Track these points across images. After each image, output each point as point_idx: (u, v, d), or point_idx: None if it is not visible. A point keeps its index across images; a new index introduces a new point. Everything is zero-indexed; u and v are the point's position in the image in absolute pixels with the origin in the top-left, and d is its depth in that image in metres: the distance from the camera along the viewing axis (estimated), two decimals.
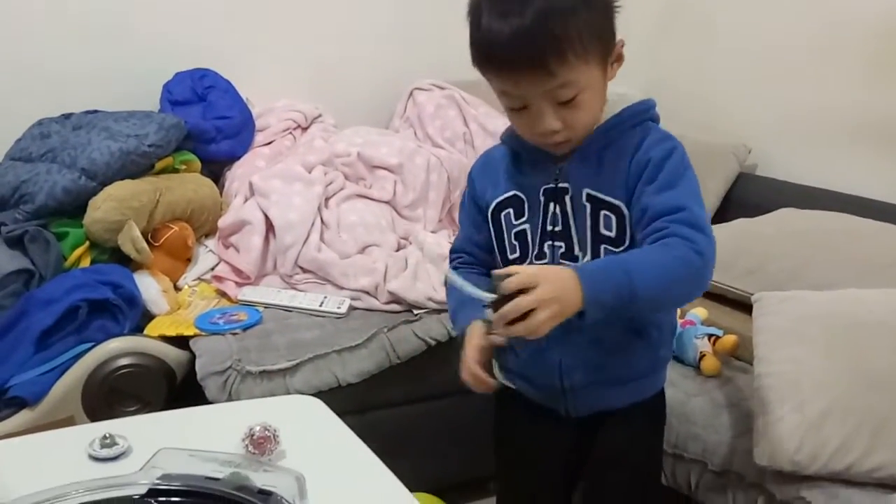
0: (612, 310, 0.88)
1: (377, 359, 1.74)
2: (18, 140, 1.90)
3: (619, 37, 0.97)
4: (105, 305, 1.62)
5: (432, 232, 2.21)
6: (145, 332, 1.67)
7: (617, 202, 1.00)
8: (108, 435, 0.93)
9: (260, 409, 1.09)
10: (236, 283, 1.88)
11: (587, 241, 1.01)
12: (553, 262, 1.03)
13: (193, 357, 1.64)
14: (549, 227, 1.04)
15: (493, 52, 0.93)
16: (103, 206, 1.72)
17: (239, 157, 2.15)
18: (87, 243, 1.76)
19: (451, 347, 1.85)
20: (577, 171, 1.01)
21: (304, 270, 1.93)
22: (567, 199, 1.03)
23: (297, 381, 1.64)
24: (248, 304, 1.81)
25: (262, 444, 0.91)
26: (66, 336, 1.58)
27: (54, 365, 1.55)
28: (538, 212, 1.05)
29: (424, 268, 1.93)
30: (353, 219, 2.05)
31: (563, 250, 1.03)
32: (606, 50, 0.95)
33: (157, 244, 1.83)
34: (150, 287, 1.74)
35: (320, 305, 1.81)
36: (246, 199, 1.99)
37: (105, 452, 0.91)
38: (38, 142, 1.84)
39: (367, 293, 1.87)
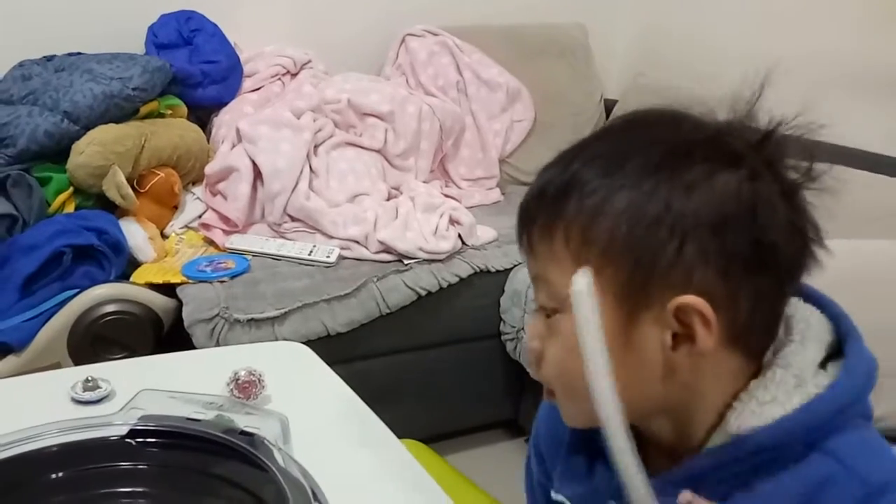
0: None
1: (367, 308, 1.73)
2: None
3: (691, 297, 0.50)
4: (90, 252, 1.60)
5: (424, 182, 2.19)
6: (132, 279, 1.65)
7: None
8: (90, 378, 0.92)
9: (246, 355, 1.08)
10: (224, 231, 1.85)
11: None
12: None
13: (180, 305, 1.62)
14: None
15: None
16: (87, 151, 1.68)
17: (226, 103, 2.11)
18: (71, 189, 1.72)
19: (440, 298, 1.85)
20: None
21: (293, 219, 1.91)
22: None
23: (286, 329, 1.63)
24: (236, 253, 1.79)
25: (246, 388, 0.90)
26: (51, 282, 1.56)
27: (39, 311, 1.53)
28: None
29: (415, 218, 1.91)
30: (342, 167, 2.02)
31: None
32: (638, 281, 0.51)
33: (142, 190, 1.80)
34: (136, 234, 1.71)
35: (309, 254, 1.79)
36: (233, 146, 1.95)
37: (87, 395, 0.90)
38: (19, 84, 1.80)
39: (357, 242, 1.85)
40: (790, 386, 0.51)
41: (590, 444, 0.59)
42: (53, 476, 0.65)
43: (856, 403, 0.52)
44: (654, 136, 0.54)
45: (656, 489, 0.48)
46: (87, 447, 0.67)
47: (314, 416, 0.87)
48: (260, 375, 0.94)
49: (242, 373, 0.95)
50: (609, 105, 2.62)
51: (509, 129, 2.48)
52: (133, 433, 0.68)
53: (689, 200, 0.50)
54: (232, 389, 0.89)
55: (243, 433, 0.67)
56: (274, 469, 0.63)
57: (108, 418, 0.69)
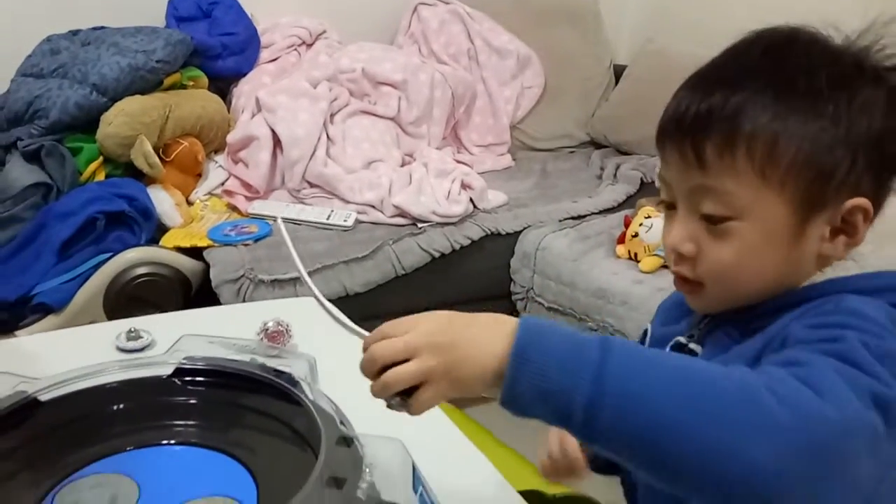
0: (553, 399, 0.50)
1: (383, 269, 1.82)
2: (29, 56, 1.93)
3: (862, 200, 0.59)
4: (121, 217, 1.70)
5: (436, 149, 2.25)
6: (161, 243, 1.75)
7: None
8: (132, 329, 1.01)
9: (272, 309, 1.17)
10: (246, 197, 1.94)
11: None
12: None
13: (207, 267, 1.71)
14: None
15: (664, 119, 0.64)
16: (115, 122, 1.77)
17: (245, 74, 2.19)
18: (101, 158, 1.81)
19: (452, 259, 1.93)
20: (720, 338, 0.65)
21: (312, 185, 1.99)
22: None
23: (307, 290, 1.71)
24: (258, 217, 1.87)
25: (275, 336, 1.00)
26: (86, 247, 1.66)
27: (76, 274, 1.63)
28: None
29: (429, 183, 1.98)
30: (358, 134, 2.09)
31: None
32: (818, 192, 0.59)
33: (168, 159, 1.88)
34: (163, 201, 1.80)
35: (327, 218, 1.88)
36: (253, 115, 2.03)
37: (131, 344, 1.00)
38: (48, 58, 1.88)
39: (373, 207, 1.93)
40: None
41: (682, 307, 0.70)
42: (115, 407, 0.74)
43: (891, 291, 0.58)
44: (813, 60, 0.61)
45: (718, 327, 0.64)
46: (141, 383, 0.75)
47: (338, 361, 0.95)
48: (287, 326, 1.03)
49: (271, 323, 1.04)
50: (619, 70, 2.64)
51: (520, 96, 2.53)
52: (179, 371, 0.77)
53: (860, 120, 0.58)
54: (262, 339, 0.98)
55: (277, 372, 0.76)
56: (306, 402, 0.71)
57: (155, 359, 0.78)
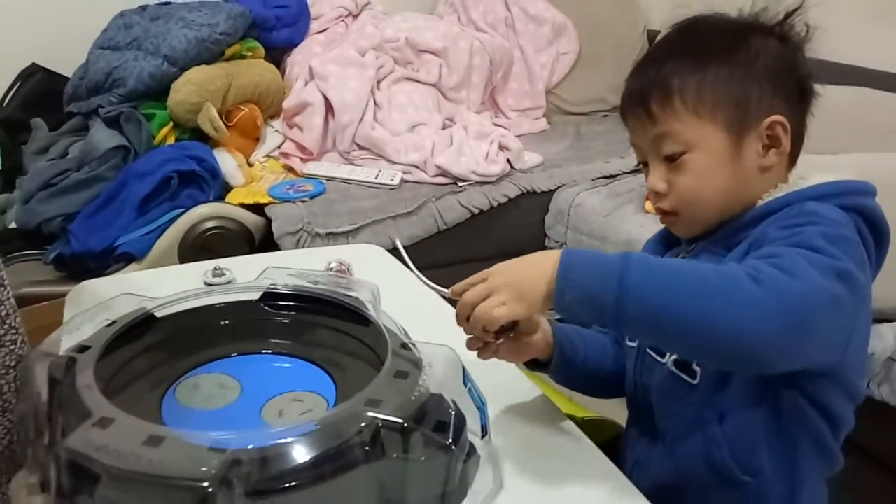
0: (591, 302, 0.67)
1: (426, 225, 1.98)
2: (105, 31, 2.11)
3: (776, 116, 0.77)
4: (192, 177, 1.88)
5: (475, 113, 2.39)
6: (226, 200, 1.92)
7: None
8: (217, 267, 1.18)
9: (334, 253, 1.33)
10: (301, 158, 2.11)
11: None
12: (640, 349, 0.85)
13: (268, 221, 1.89)
14: None
15: (622, 100, 0.84)
16: (184, 90, 1.94)
17: (297, 45, 2.34)
18: (171, 123, 1.99)
19: (491, 216, 2.07)
20: (706, 259, 0.79)
21: (360, 147, 2.15)
22: None
23: (358, 242, 1.88)
24: (313, 177, 2.04)
25: (340, 274, 1.16)
26: (162, 202, 1.85)
27: (153, 227, 1.82)
28: None
29: (468, 144, 2.13)
30: (402, 100, 2.23)
31: None
32: (741, 117, 0.76)
33: (230, 124, 2.05)
34: (227, 162, 1.98)
35: (375, 178, 2.04)
36: (306, 83, 2.19)
37: (217, 280, 1.17)
38: (122, 32, 2.05)
39: (417, 167, 2.09)
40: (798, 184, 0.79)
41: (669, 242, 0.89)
42: (221, 323, 0.90)
43: (849, 195, 0.74)
44: (714, 29, 0.81)
45: (703, 249, 0.81)
46: (238, 304, 0.92)
47: (396, 294, 1.09)
48: (349, 265, 1.20)
49: (334, 263, 1.20)
50: (652, 36, 2.72)
51: (555, 62, 2.64)
52: (266, 296, 0.93)
53: (758, 60, 0.78)
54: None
55: (348, 295, 0.91)
56: (374, 319, 0.86)
57: (244, 285, 0.95)
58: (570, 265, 0.68)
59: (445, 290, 0.83)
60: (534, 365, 0.89)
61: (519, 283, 0.71)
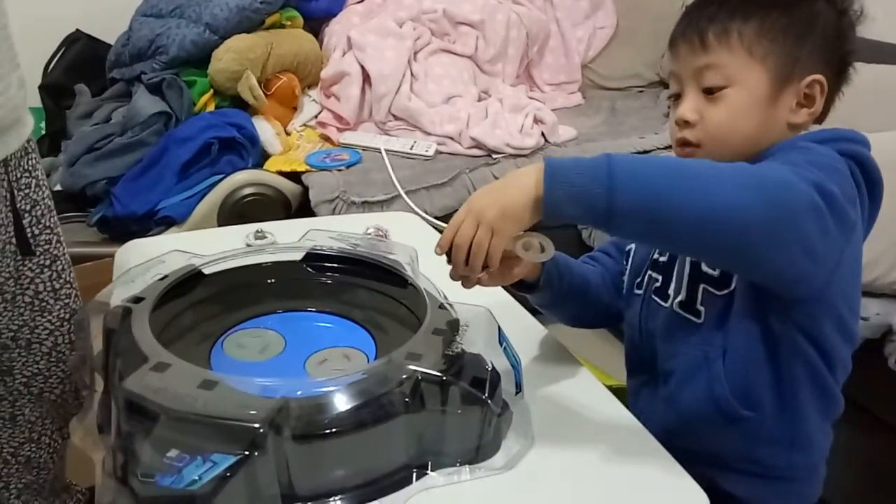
0: (582, 196, 0.68)
1: (459, 196, 2.00)
2: None
3: (818, 76, 0.80)
4: (232, 143, 1.91)
5: (511, 86, 2.39)
6: (264, 167, 1.96)
7: None
8: (259, 230, 1.22)
9: (371, 220, 1.36)
10: (337, 128, 2.14)
11: (684, 278, 0.83)
12: (646, 294, 0.89)
13: (305, 189, 1.93)
14: (656, 256, 0.89)
15: (677, 26, 0.85)
16: (225, 58, 1.97)
17: (335, 15, 2.36)
18: (212, 90, 2.03)
19: None
20: None
21: (396, 118, 2.17)
22: None
23: (392, 211, 1.91)
24: (349, 147, 2.07)
25: (378, 238, 1.19)
26: (202, 168, 1.89)
27: (194, 192, 1.87)
28: None
29: (503, 117, 2.14)
30: (438, 71, 2.25)
31: (658, 284, 0.87)
32: (789, 68, 0.79)
33: (269, 93, 2.08)
34: (265, 130, 2.01)
35: (410, 149, 2.06)
36: (344, 53, 2.21)
37: (258, 242, 1.20)
38: (165, 0, 2.08)
39: (452, 139, 2.10)
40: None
41: None
42: (269, 281, 0.94)
43: (840, 141, 0.77)
44: None
45: None
46: (281, 263, 0.95)
47: (431, 259, 1.12)
48: (386, 231, 1.23)
49: (372, 229, 1.24)
50: None
51: (592, 36, 2.63)
52: (309, 256, 0.97)
53: (816, 21, 0.81)
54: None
55: (387, 257, 0.94)
56: (412, 279, 0.89)
57: (287, 245, 0.98)
58: (556, 166, 0.69)
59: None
60: (520, 287, 0.90)
61: (502, 201, 0.71)
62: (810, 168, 0.70)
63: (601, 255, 1.01)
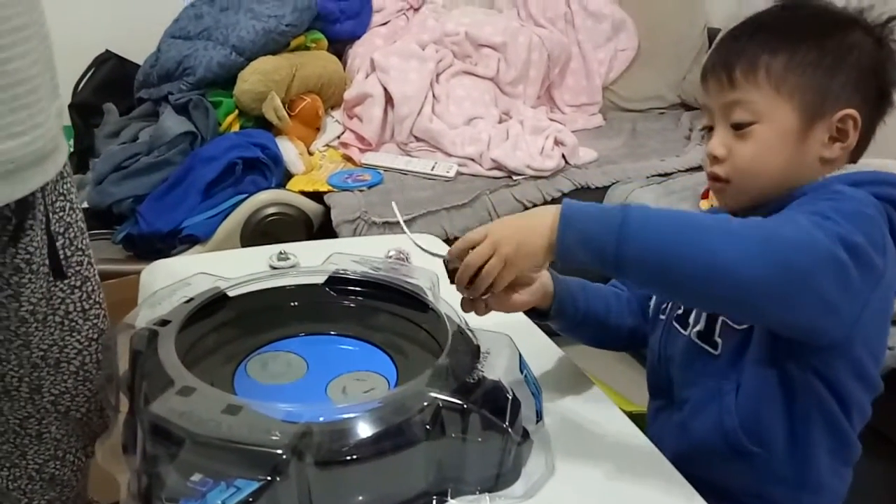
0: (592, 243, 0.69)
1: (480, 217, 2.01)
2: (176, 20, 2.19)
3: (851, 110, 0.78)
4: (255, 163, 1.94)
5: (531, 108, 2.41)
6: (287, 187, 1.99)
7: None
8: (282, 251, 1.23)
9: (391, 242, 1.37)
10: (360, 148, 2.16)
11: None
12: (668, 320, 0.89)
13: (327, 209, 1.94)
14: None
15: (707, 61, 0.85)
16: (250, 79, 2.00)
17: (359, 37, 2.39)
18: (237, 111, 2.06)
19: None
20: None
21: (418, 139, 2.19)
22: None
23: (413, 231, 1.92)
24: (371, 167, 2.09)
25: (399, 262, 1.20)
26: (226, 188, 1.92)
27: (218, 211, 1.89)
28: None
29: (524, 139, 2.15)
30: (460, 93, 2.27)
31: (680, 311, 0.87)
32: (818, 103, 0.78)
33: (293, 114, 2.11)
34: (289, 150, 2.04)
35: (432, 169, 2.08)
36: (367, 75, 2.23)
37: (282, 263, 1.21)
38: (193, 22, 2.12)
39: (472, 160, 2.12)
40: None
41: None
42: (292, 304, 0.95)
43: (879, 184, 0.76)
44: (816, 13, 0.83)
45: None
46: (304, 286, 0.97)
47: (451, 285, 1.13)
48: (407, 255, 1.24)
49: (393, 252, 1.25)
50: (712, 34, 2.69)
51: (613, 59, 2.64)
52: (332, 280, 0.98)
53: (851, 54, 0.79)
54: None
55: (408, 282, 0.95)
56: (433, 305, 0.90)
57: (310, 269, 0.99)
58: (573, 211, 0.71)
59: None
60: (534, 315, 0.91)
61: (519, 236, 0.73)
62: (836, 218, 0.69)
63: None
